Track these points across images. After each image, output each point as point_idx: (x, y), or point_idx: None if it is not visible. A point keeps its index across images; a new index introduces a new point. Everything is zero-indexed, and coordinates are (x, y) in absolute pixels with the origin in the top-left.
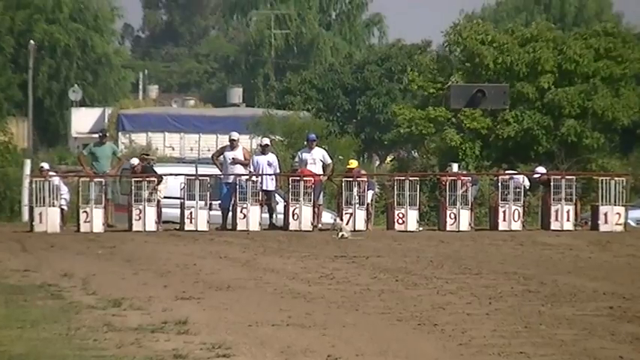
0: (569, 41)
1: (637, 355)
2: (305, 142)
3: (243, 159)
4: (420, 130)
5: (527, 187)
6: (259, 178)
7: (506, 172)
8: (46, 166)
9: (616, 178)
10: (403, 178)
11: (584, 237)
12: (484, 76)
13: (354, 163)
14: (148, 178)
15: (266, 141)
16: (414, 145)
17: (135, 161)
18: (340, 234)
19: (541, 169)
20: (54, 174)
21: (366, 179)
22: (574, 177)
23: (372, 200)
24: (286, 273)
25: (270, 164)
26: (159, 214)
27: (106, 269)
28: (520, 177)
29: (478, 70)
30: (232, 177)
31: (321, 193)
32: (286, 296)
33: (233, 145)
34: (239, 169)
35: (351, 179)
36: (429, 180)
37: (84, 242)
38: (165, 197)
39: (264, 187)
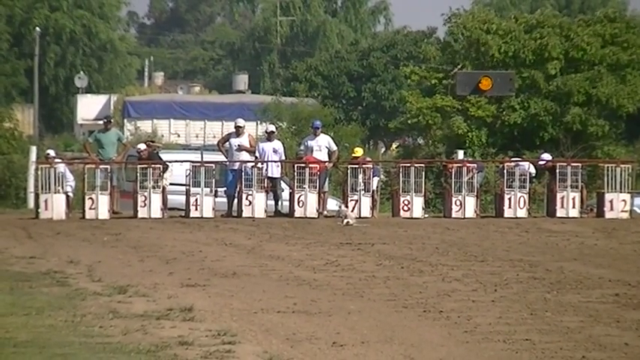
0: (575, 28)
1: None
2: (310, 129)
3: (248, 146)
4: (427, 120)
5: (533, 174)
6: (264, 165)
7: (512, 159)
8: (52, 152)
9: (622, 165)
10: (409, 165)
11: (589, 224)
12: (489, 63)
13: (359, 152)
14: (153, 165)
15: (271, 128)
16: (419, 133)
17: (142, 146)
18: (345, 221)
19: (547, 156)
20: (59, 161)
21: (371, 166)
22: (580, 164)
23: (377, 187)
24: (291, 260)
25: (275, 151)
26: (164, 201)
27: (112, 256)
28: (525, 164)
29: (483, 57)
30: (238, 164)
31: (327, 180)
32: (291, 283)
33: (239, 131)
34: (245, 155)
35: (356, 166)
36: (435, 167)
37: (89, 229)
38: (170, 184)
39: (270, 174)
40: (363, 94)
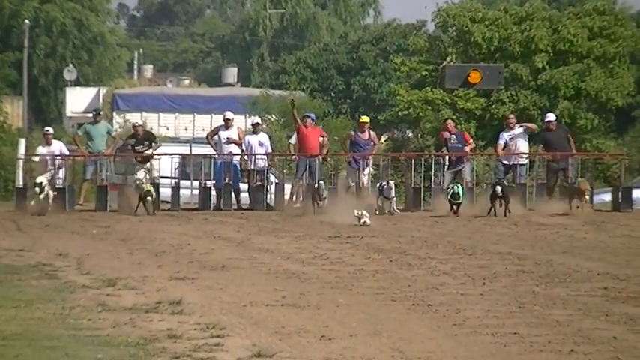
0: (563, 20)
1: (631, 335)
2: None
3: (237, 139)
4: (418, 112)
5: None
6: (251, 158)
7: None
8: (50, 130)
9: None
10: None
11: (579, 217)
12: (478, 55)
13: (366, 118)
14: (142, 154)
15: (257, 120)
16: (409, 125)
17: (137, 122)
18: (362, 221)
19: (551, 116)
20: (57, 141)
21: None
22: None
23: (367, 180)
24: (280, 253)
25: (261, 144)
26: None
27: (101, 249)
28: (520, 130)
29: (471, 49)
30: (227, 157)
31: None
32: (280, 276)
33: (227, 124)
34: (234, 148)
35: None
36: (424, 160)
37: (78, 222)
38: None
39: (256, 167)
40: (352, 86)
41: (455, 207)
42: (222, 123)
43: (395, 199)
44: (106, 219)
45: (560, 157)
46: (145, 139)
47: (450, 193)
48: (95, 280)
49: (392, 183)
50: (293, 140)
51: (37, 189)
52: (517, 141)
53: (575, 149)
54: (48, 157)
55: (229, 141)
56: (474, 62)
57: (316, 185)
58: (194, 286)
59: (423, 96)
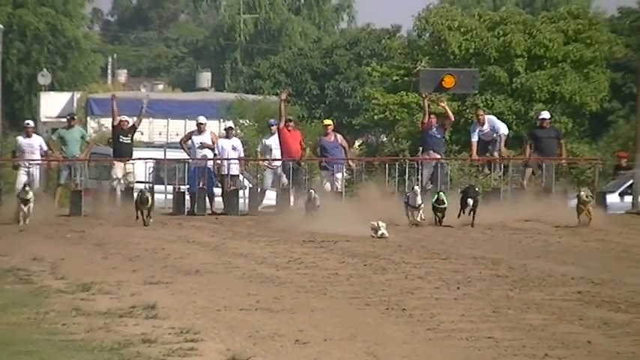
0: (538, 25)
1: (605, 339)
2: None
3: (211, 143)
4: (394, 115)
5: (505, 135)
6: (224, 163)
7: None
8: (31, 123)
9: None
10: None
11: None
12: (453, 61)
13: (328, 122)
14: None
15: (230, 124)
16: (383, 130)
17: (124, 117)
18: (380, 233)
19: (546, 114)
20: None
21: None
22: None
23: (341, 183)
24: (255, 257)
25: (234, 148)
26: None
27: (75, 253)
28: (499, 125)
29: (446, 54)
30: (201, 161)
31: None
32: (255, 281)
33: (200, 129)
34: (207, 153)
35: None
36: (398, 165)
37: (53, 226)
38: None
39: (229, 172)
40: (326, 91)
41: (439, 214)
42: (196, 128)
43: (422, 206)
44: (80, 224)
45: (542, 160)
46: (129, 132)
47: (435, 199)
48: (70, 285)
49: (417, 188)
50: (268, 142)
51: (24, 206)
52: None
53: (564, 152)
54: (26, 149)
55: (202, 145)
56: (449, 67)
57: (311, 196)
58: (168, 291)
59: (398, 99)
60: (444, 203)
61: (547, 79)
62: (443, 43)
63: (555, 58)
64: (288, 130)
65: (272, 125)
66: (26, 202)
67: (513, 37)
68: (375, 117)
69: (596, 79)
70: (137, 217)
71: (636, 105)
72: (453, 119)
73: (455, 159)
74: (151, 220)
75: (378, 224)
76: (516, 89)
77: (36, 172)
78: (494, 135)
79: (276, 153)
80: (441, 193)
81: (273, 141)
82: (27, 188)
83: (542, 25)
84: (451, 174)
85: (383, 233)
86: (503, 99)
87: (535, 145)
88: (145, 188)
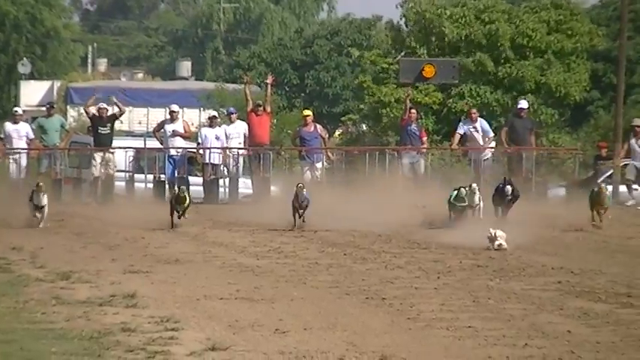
0: (521, 14)
1: (585, 329)
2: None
3: (183, 131)
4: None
5: (490, 136)
6: (206, 151)
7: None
8: (19, 110)
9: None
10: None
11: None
12: (444, 47)
13: (307, 112)
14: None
15: (214, 113)
16: (362, 119)
17: (103, 105)
18: (497, 243)
19: (524, 103)
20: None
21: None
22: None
23: (320, 172)
24: (235, 247)
25: (217, 138)
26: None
27: (55, 242)
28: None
29: (437, 42)
30: (176, 150)
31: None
32: (234, 270)
33: (173, 117)
34: (179, 141)
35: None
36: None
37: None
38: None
39: (211, 161)
40: (306, 81)
41: (456, 214)
42: (169, 116)
43: (482, 204)
44: (60, 213)
45: (515, 151)
46: (108, 121)
47: (454, 196)
48: (49, 274)
49: (475, 186)
50: (229, 130)
51: (38, 213)
52: (478, 135)
53: (534, 144)
54: (13, 134)
55: (175, 133)
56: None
57: (301, 193)
58: (148, 280)
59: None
60: (464, 201)
61: (533, 69)
62: (434, 28)
63: (539, 48)
64: (257, 115)
65: (232, 114)
66: (41, 208)
67: (499, 25)
68: (366, 107)
69: (577, 70)
70: (172, 225)
71: (616, 95)
72: (414, 113)
73: (436, 148)
74: (186, 217)
75: (495, 234)
76: (503, 79)
77: (22, 160)
78: (486, 138)
79: (234, 142)
80: (462, 190)
81: (233, 129)
82: (41, 194)
83: (524, 15)
84: (432, 163)
85: (501, 244)
86: (491, 89)
87: (510, 136)
88: (182, 188)
